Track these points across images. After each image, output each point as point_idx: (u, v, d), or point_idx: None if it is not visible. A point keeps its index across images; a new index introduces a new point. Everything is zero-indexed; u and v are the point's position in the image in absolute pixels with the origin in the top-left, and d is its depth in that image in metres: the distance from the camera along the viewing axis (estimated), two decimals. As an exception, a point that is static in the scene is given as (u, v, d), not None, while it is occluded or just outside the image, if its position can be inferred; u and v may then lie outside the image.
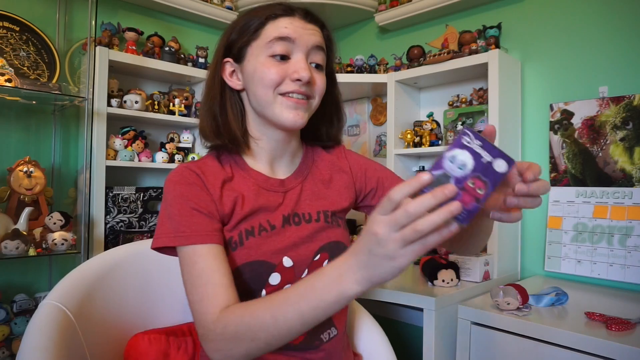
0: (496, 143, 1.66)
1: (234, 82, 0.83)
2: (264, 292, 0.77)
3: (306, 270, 0.80)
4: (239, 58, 0.81)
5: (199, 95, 2.13)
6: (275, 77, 0.77)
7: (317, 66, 0.81)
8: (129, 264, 0.99)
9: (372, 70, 2.12)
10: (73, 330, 0.81)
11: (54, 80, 1.71)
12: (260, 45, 0.78)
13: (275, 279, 0.78)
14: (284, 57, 0.78)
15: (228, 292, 0.70)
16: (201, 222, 0.74)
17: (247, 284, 0.76)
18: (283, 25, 0.78)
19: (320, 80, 0.81)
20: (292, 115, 0.78)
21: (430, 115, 2.01)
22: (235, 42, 0.81)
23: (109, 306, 0.92)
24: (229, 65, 0.83)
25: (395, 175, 0.96)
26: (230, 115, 0.83)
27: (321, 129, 0.93)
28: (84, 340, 0.82)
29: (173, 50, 1.98)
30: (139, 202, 1.90)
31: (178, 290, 0.85)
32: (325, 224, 0.84)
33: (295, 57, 0.78)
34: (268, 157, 0.85)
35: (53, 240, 1.55)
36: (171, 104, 2.02)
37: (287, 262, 0.78)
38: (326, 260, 0.82)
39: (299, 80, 0.77)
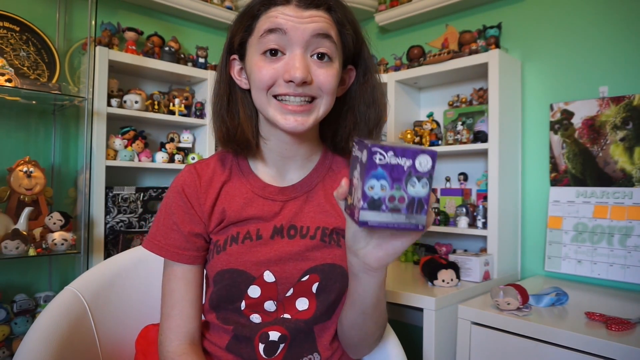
0: (496, 142, 1.66)
1: (242, 82, 0.76)
2: (243, 303, 0.74)
3: (291, 290, 0.74)
4: (242, 55, 0.75)
5: (199, 95, 2.13)
6: (265, 79, 0.69)
7: (321, 56, 0.69)
8: (152, 262, 1.02)
9: (372, 70, 2.12)
10: (84, 315, 0.90)
11: (54, 80, 1.70)
12: (254, 41, 0.71)
13: (254, 291, 0.73)
14: (276, 53, 0.69)
15: (191, 324, 0.76)
16: (177, 238, 0.76)
17: (226, 291, 0.74)
18: (273, 15, 0.68)
19: (325, 75, 0.69)
20: (290, 121, 0.69)
21: (430, 115, 2.01)
22: (235, 37, 0.74)
23: (125, 299, 0.98)
24: (237, 63, 0.77)
25: None
26: (242, 117, 0.77)
27: (338, 133, 0.81)
28: (95, 326, 0.91)
29: (173, 50, 1.98)
30: (138, 202, 1.90)
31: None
32: (322, 242, 0.76)
33: (289, 52, 0.69)
34: (276, 159, 0.79)
35: (53, 240, 1.55)
36: (171, 104, 2.02)
37: (268, 276, 0.73)
38: (316, 284, 0.75)
39: (291, 81, 0.67)
